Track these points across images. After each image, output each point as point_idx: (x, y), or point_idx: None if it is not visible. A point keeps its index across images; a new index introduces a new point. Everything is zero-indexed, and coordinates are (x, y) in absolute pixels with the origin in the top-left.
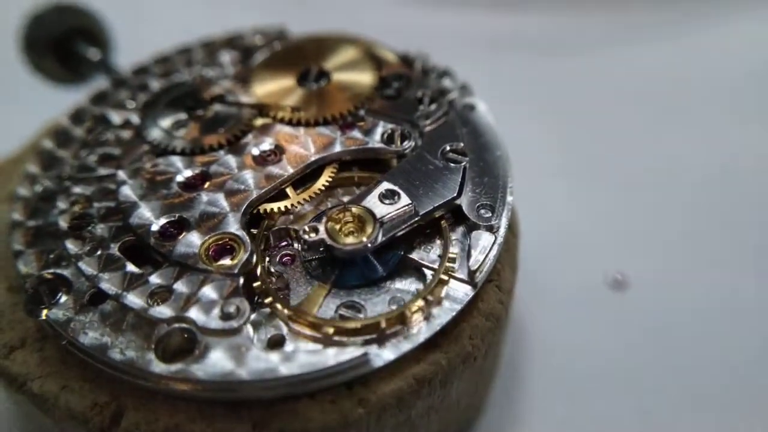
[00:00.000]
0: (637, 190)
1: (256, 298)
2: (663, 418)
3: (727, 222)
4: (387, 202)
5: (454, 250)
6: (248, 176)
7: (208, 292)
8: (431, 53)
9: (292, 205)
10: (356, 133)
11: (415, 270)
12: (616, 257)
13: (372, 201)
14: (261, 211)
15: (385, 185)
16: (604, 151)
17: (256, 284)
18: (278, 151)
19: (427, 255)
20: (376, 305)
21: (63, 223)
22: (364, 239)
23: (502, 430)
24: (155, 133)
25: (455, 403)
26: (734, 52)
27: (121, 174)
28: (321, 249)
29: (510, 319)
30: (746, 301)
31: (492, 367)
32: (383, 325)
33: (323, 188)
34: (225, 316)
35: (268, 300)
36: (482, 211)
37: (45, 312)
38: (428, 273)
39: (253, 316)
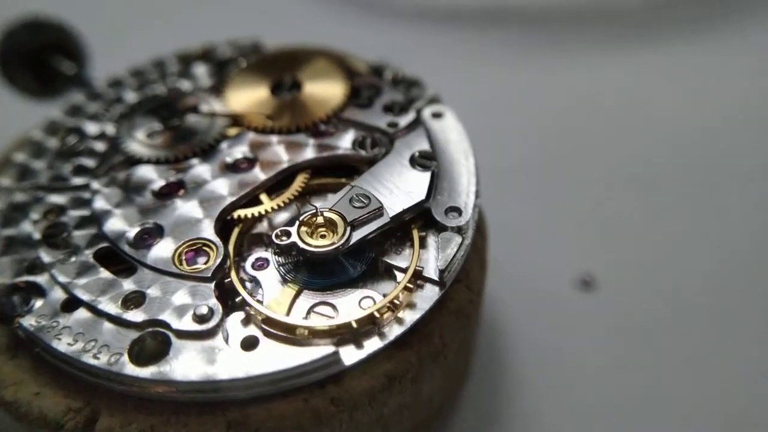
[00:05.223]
0: (604, 191)
1: (229, 301)
2: (634, 415)
3: (696, 222)
4: (357, 206)
5: (423, 251)
6: (222, 183)
7: (182, 295)
8: (401, 65)
9: (265, 210)
10: (328, 141)
11: (386, 271)
12: (585, 259)
13: (343, 205)
14: (235, 217)
15: (356, 190)
16: (571, 154)
17: (229, 287)
18: (252, 159)
19: (398, 257)
20: (348, 306)
21: (37, 232)
22: (336, 242)
23: (476, 427)
24: (130, 144)
25: (428, 400)
26: (701, 66)
27: (96, 183)
28: (293, 252)
29: (481, 318)
30: (716, 299)
31: (464, 364)
32: (354, 325)
33: (296, 194)
34: (198, 319)
35: (240, 301)
36: (450, 214)
37: (18, 320)
38: (399, 274)
39: (226, 319)
